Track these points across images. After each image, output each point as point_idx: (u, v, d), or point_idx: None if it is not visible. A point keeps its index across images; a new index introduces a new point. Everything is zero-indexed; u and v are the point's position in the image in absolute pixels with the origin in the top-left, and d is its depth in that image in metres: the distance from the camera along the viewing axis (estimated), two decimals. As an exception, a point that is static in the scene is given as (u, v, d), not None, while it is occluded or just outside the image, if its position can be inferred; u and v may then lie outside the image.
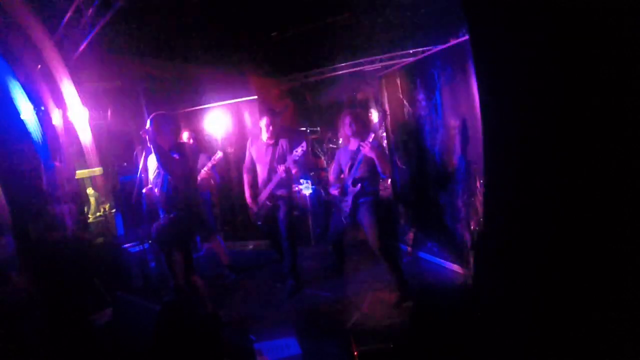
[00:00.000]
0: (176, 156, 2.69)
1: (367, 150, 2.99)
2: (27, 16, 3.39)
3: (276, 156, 3.49)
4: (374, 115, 7.87)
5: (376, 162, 3.06)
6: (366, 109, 7.95)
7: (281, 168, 3.35)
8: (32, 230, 2.97)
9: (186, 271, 2.80)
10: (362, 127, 3.24)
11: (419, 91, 3.85)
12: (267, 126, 3.50)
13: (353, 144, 3.25)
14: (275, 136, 3.53)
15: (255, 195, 3.66)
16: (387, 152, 4.25)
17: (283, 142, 3.50)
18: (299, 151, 3.33)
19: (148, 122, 2.72)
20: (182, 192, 2.73)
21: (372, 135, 3.04)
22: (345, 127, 3.23)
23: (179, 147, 2.78)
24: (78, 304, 2.95)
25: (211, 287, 3.36)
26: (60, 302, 2.81)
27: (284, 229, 3.51)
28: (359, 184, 3.13)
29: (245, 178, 3.73)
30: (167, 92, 5.74)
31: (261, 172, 3.59)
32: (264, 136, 3.54)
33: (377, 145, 3.06)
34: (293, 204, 3.73)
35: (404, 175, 4.50)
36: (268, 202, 3.55)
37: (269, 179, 3.52)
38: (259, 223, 3.73)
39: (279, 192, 3.52)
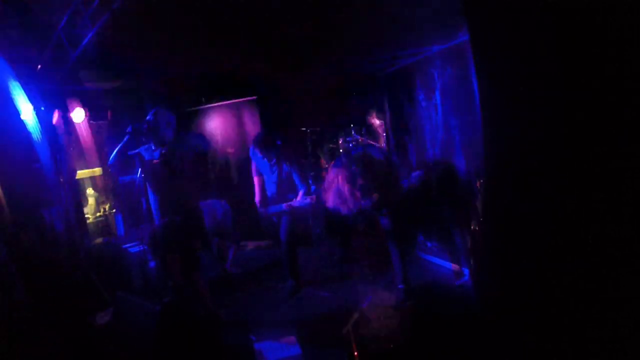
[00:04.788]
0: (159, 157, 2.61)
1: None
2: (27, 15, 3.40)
3: (283, 176, 3.48)
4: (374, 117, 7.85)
5: None
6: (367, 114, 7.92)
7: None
8: (30, 232, 2.95)
9: (186, 273, 2.75)
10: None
11: (419, 91, 3.85)
12: (270, 159, 3.44)
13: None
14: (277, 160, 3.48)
15: (264, 199, 3.65)
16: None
17: (285, 166, 3.47)
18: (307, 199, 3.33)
19: (150, 114, 2.66)
20: (177, 196, 2.64)
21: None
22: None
23: (180, 146, 2.70)
24: (78, 304, 2.93)
25: (211, 287, 3.36)
26: (58, 304, 2.78)
27: (285, 233, 3.52)
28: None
29: (256, 181, 3.69)
30: (167, 92, 5.73)
31: (267, 183, 3.59)
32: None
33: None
34: (296, 215, 3.66)
35: (404, 176, 4.50)
36: (275, 220, 3.58)
37: (277, 194, 3.51)
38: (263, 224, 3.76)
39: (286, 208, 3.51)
